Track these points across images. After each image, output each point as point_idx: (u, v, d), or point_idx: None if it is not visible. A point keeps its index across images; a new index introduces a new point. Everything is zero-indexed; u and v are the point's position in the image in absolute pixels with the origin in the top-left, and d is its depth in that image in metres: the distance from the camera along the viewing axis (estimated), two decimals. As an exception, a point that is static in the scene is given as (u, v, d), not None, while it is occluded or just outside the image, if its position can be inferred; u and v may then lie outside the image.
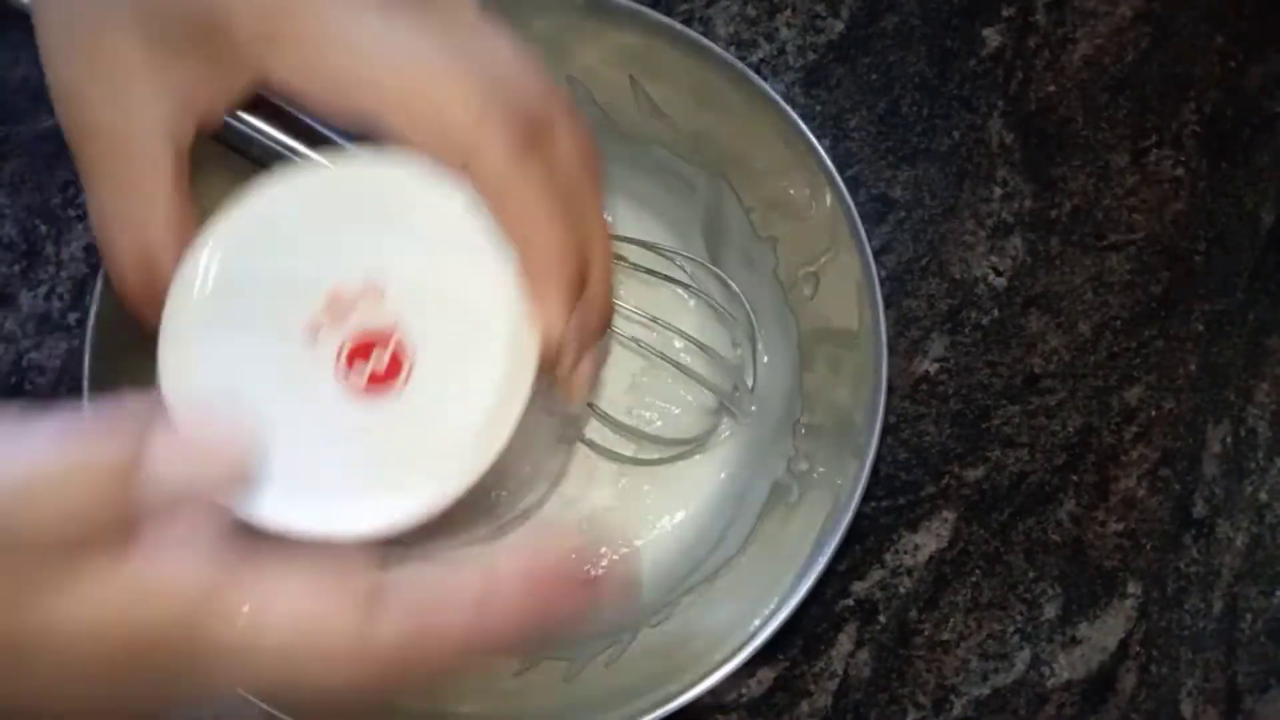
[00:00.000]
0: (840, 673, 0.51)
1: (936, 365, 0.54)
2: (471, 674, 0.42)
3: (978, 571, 0.53)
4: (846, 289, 0.45)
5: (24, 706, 0.24)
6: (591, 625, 0.44)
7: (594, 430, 0.49)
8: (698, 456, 0.51)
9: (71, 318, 0.52)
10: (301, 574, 0.26)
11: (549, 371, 0.32)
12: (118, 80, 0.31)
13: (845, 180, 0.45)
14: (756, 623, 0.42)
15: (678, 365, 0.50)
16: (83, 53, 0.32)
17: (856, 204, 0.44)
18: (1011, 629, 0.52)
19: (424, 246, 0.32)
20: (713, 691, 0.51)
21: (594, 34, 0.45)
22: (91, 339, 0.43)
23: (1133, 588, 0.53)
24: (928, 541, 0.53)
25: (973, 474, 0.53)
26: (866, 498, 0.52)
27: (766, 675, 0.51)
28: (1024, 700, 0.52)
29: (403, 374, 0.31)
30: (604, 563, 0.43)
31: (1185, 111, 0.57)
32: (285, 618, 0.25)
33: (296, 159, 0.41)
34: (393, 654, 0.25)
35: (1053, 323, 0.55)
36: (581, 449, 0.50)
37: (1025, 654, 0.52)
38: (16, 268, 0.53)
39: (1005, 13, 0.57)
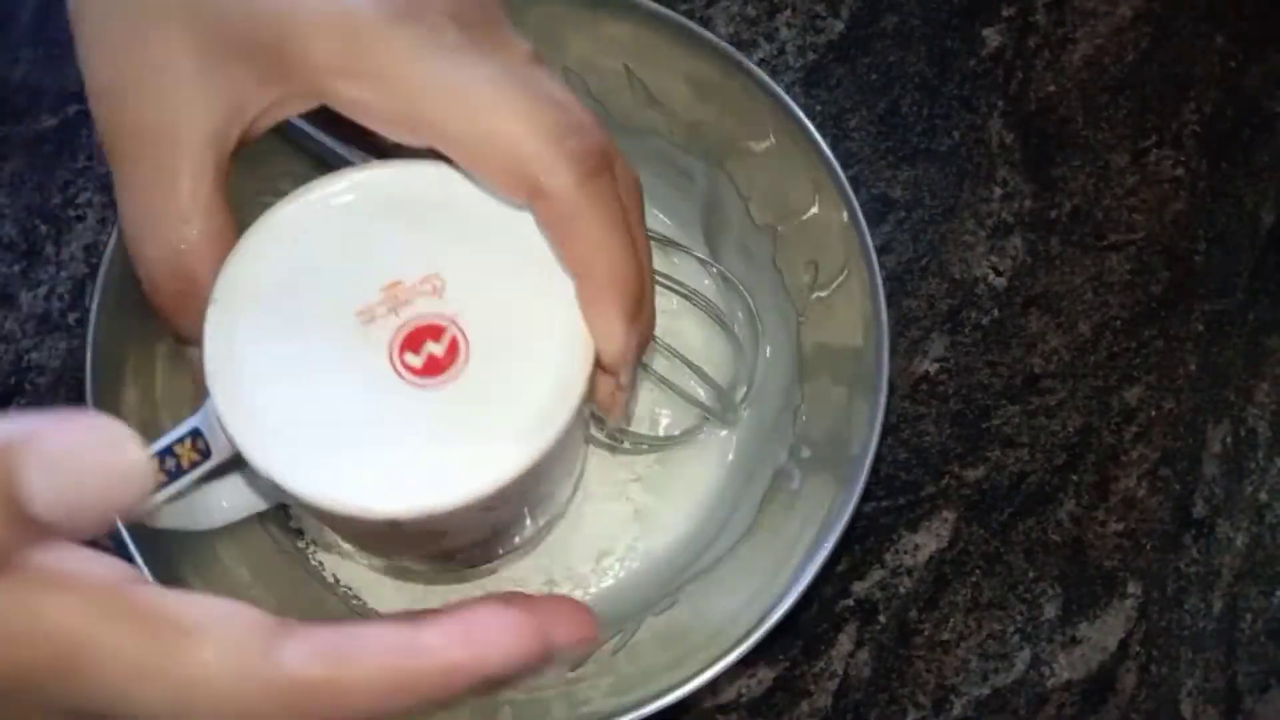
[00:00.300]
0: (840, 673, 0.51)
1: (936, 365, 0.54)
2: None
3: (978, 571, 0.53)
4: (850, 295, 0.45)
5: None
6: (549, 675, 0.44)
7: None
8: (698, 446, 0.51)
9: (71, 318, 0.52)
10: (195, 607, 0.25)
11: (605, 388, 0.33)
12: (165, 82, 0.31)
13: (845, 180, 0.45)
14: (762, 610, 0.42)
15: (666, 383, 0.50)
16: (127, 52, 0.31)
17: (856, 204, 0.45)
18: (1011, 629, 0.52)
19: (486, 247, 0.32)
20: (713, 690, 0.51)
21: (589, 24, 0.45)
22: (92, 339, 0.43)
23: (1133, 588, 0.53)
24: (928, 541, 0.53)
25: (973, 474, 0.53)
26: (866, 497, 0.53)
27: (766, 675, 0.51)
28: (1024, 700, 0.52)
29: (458, 364, 0.31)
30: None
31: (1185, 111, 0.57)
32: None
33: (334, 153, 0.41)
34: (293, 697, 0.24)
35: (1053, 323, 0.55)
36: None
37: (1025, 654, 0.52)
38: (16, 268, 0.53)
39: (1005, 13, 0.57)
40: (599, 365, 0.32)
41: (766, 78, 0.45)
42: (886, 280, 0.44)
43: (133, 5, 0.31)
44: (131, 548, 0.41)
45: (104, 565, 0.24)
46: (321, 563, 0.48)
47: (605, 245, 0.30)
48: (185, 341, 0.34)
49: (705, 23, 0.56)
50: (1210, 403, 0.55)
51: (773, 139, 0.46)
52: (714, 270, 0.51)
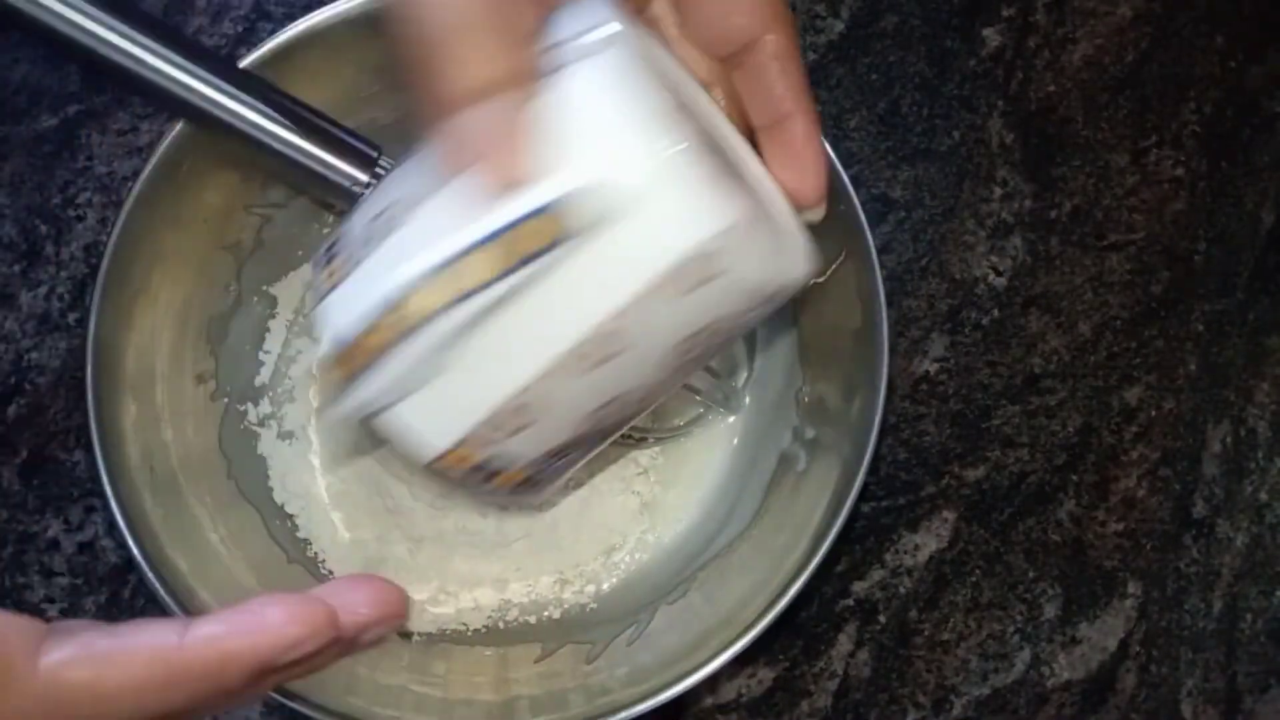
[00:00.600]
0: (840, 673, 0.51)
1: (936, 365, 0.54)
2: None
3: (978, 571, 0.53)
4: (847, 277, 0.45)
5: None
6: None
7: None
8: (702, 435, 0.51)
9: (71, 317, 0.52)
10: None
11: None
12: None
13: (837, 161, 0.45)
14: (775, 592, 0.42)
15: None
16: None
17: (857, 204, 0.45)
18: (1011, 629, 0.52)
19: None
20: (712, 690, 0.51)
21: None
22: (93, 339, 0.43)
23: (1133, 588, 0.53)
24: (928, 541, 0.53)
25: (973, 474, 0.53)
26: (866, 498, 0.53)
27: (766, 675, 0.51)
28: (1024, 700, 0.52)
29: None
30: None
31: (1185, 111, 0.57)
32: None
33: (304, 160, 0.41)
34: (53, 700, 0.25)
35: (1053, 323, 0.55)
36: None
37: (1025, 654, 0.52)
38: (16, 268, 0.53)
39: (1005, 13, 0.57)
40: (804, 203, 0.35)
41: None
42: (887, 280, 0.44)
43: None
44: (132, 547, 0.41)
45: None
46: (332, 571, 0.48)
47: (806, 87, 0.34)
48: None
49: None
50: (1210, 403, 0.55)
51: None
52: None
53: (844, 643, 0.52)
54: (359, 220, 0.33)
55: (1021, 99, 0.57)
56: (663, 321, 0.31)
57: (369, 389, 0.31)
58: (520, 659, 0.46)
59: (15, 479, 0.51)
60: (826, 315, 0.47)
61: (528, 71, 0.29)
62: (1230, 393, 0.55)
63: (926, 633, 0.52)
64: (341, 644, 0.29)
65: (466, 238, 0.28)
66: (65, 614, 0.50)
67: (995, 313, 0.55)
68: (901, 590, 0.52)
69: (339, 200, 0.44)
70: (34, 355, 0.52)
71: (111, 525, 0.50)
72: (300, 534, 0.48)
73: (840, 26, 0.57)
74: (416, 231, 0.30)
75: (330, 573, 0.48)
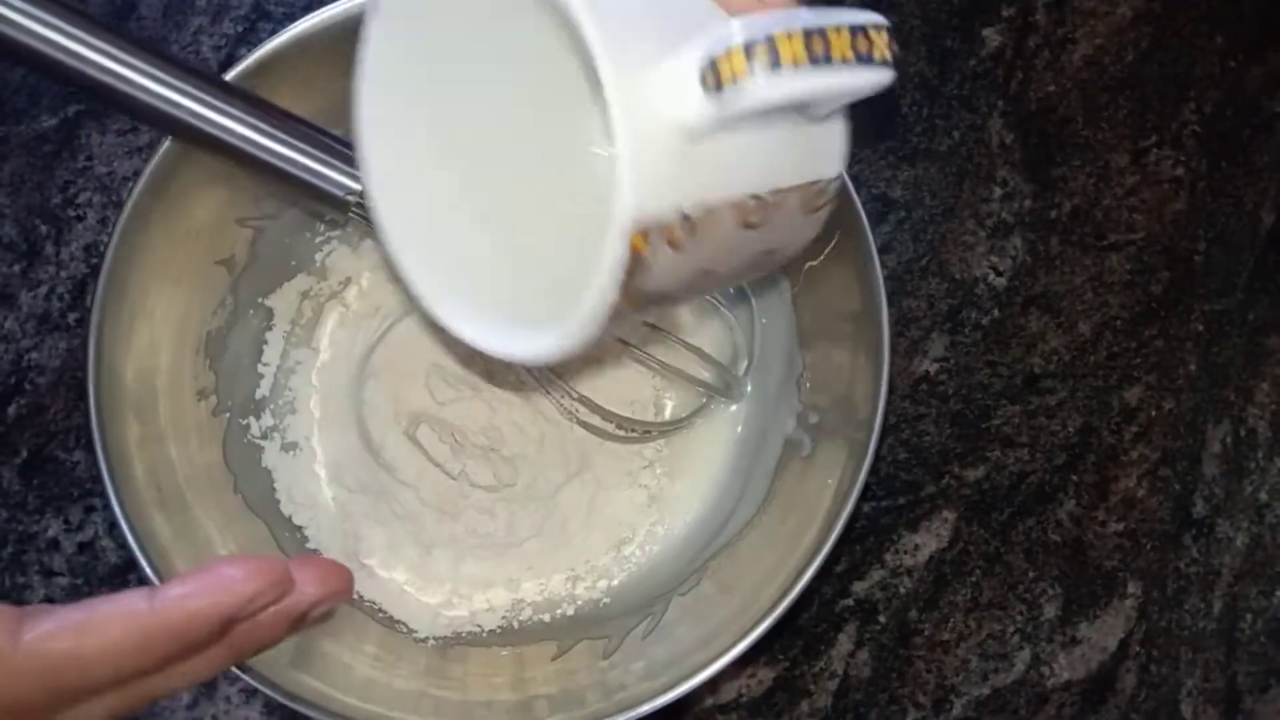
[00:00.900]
0: (840, 673, 0.51)
1: (936, 365, 0.54)
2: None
3: (978, 571, 0.53)
4: (842, 259, 0.45)
5: None
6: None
7: (592, 418, 0.50)
8: (706, 425, 0.51)
9: (71, 317, 0.52)
10: None
11: None
12: None
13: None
14: (788, 578, 0.42)
15: (668, 369, 0.50)
16: None
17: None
18: (1011, 629, 0.52)
19: None
20: (713, 690, 0.51)
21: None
22: (93, 339, 0.43)
23: (1133, 588, 0.53)
24: (928, 541, 0.53)
25: (973, 474, 0.53)
26: (866, 497, 0.53)
27: (766, 675, 0.51)
28: (1024, 700, 0.52)
29: None
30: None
31: (1185, 111, 0.57)
32: None
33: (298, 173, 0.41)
34: (39, 671, 0.28)
35: (1053, 323, 0.55)
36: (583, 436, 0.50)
37: (1025, 654, 0.52)
38: (16, 268, 0.53)
39: (1005, 13, 0.57)
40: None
41: None
42: (887, 280, 0.44)
43: None
44: (144, 566, 0.41)
45: None
46: None
47: None
48: None
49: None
50: (1210, 402, 0.55)
51: None
52: None
53: (844, 643, 0.52)
54: None
55: (1021, 99, 0.57)
56: (791, 220, 0.34)
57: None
58: (537, 657, 0.46)
59: (15, 479, 0.51)
60: (824, 299, 0.47)
61: None
62: (1230, 392, 0.55)
63: (926, 633, 0.52)
64: (293, 617, 0.32)
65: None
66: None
67: (995, 313, 0.55)
68: (901, 590, 0.52)
69: (331, 210, 0.44)
70: (34, 355, 0.52)
71: (112, 525, 0.50)
72: (310, 545, 0.48)
73: (840, 26, 0.57)
74: None
75: None
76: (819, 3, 0.32)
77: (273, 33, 0.44)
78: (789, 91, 0.29)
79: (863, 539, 0.52)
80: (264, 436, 0.49)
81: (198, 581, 0.30)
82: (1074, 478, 0.54)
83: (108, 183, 0.53)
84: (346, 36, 0.44)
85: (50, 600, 0.50)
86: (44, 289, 0.52)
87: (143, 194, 0.43)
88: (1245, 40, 0.58)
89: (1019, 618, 0.52)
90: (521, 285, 0.36)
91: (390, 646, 0.46)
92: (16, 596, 0.50)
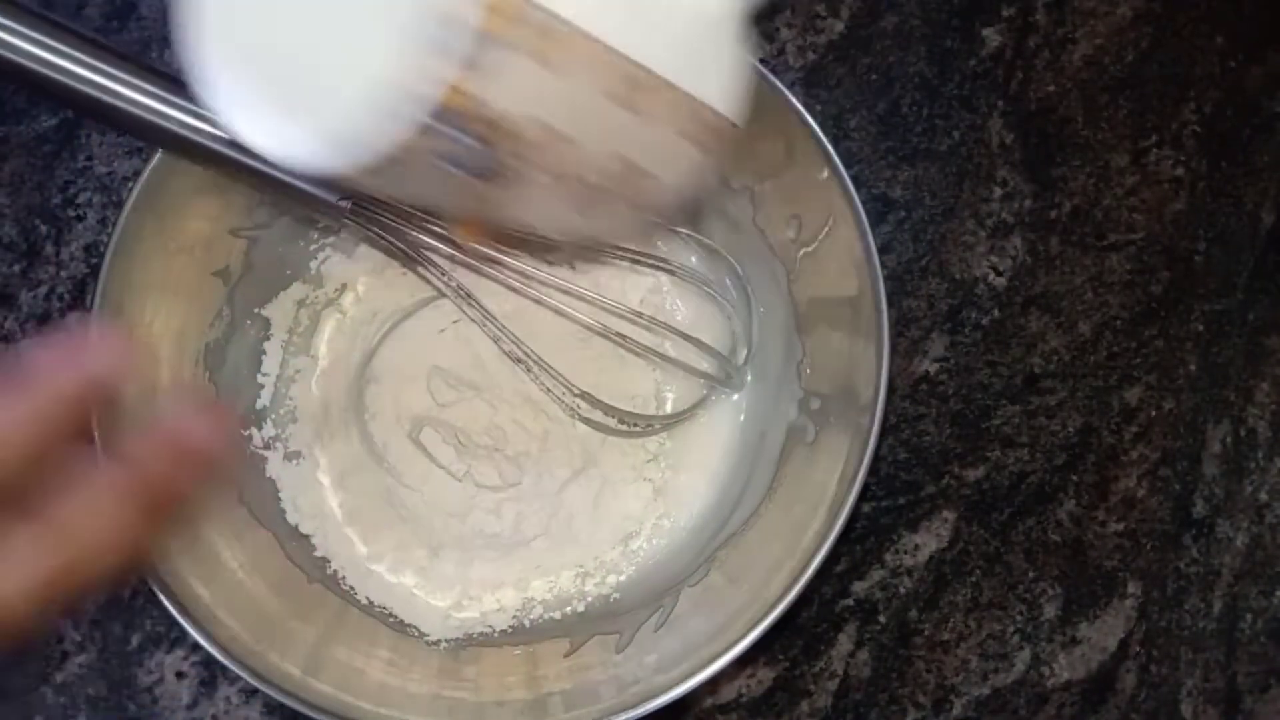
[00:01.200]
0: (840, 672, 0.51)
1: (937, 365, 0.54)
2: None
3: (978, 571, 0.53)
4: (837, 244, 0.45)
5: None
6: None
7: (595, 413, 0.50)
8: (708, 416, 0.51)
9: (72, 317, 0.52)
10: None
11: None
12: None
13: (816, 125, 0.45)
14: (796, 564, 0.42)
15: (669, 361, 0.50)
16: None
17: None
18: (1011, 629, 0.52)
19: None
20: (713, 690, 0.51)
21: None
22: (96, 310, 0.43)
23: (1133, 588, 0.53)
24: (928, 541, 0.53)
25: (973, 474, 0.53)
26: (866, 497, 0.53)
27: (766, 675, 0.51)
28: (1024, 700, 0.52)
29: None
30: None
31: (1185, 111, 0.57)
32: None
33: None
34: None
35: (1053, 323, 0.55)
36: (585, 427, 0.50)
37: (1025, 654, 0.52)
38: (16, 268, 0.53)
39: (1005, 13, 0.57)
40: None
41: None
42: (886, 280, 0.44)
43: None
44: (151, 582, 0.41)
45: None
46: (353, 587, 0.48)
47: None
48: None
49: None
50: (1210, 402, 0.55)
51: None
52: (695, 241, 0.51)
53: (844, 643, 0.52)
54: None
55: (1021, 99, 0.57)
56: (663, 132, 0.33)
57: None
58: (549, 655, 0.46)
59: (15, 479, 0.51)
60: (820, 285, 0.47)
61: None
62: (1230, 392, 0.55)
63: (926, 633, 0.52)
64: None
65: None
66: (65, 613, 0.50)
67: (995, 313, 0.55)
68: (901, 590, 0.52)
69: (323, 216, 0.44)
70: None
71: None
72: (318, 553, 0.49)
73: (840, 26, 0.57)
74: None
75: (351, 589, 0.48)
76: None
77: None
78: None
79: (863, 539, 0.52)
80: (266, 446, 0.49)
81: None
82: (1074, 478, 0.54)
83: (108, 183, 0.53)
84: None
85: (50, 600, 0.50)
86: (44, 289, 0.52)
87: (134, 208, 0.43)
88: (1245, 40, 0.58)
89: (1019, 618, 0.52)
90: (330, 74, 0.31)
91: (402, 650, 0.46)
92: (16, 596, 0.50)
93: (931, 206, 0.55)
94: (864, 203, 0.44)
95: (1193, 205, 0.56)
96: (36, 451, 0.27)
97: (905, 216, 0.55)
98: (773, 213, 0.47)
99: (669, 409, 0.51)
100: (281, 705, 0.41)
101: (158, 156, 0.43)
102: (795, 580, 0.42)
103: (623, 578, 0.49)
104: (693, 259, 0.52)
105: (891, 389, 0.53)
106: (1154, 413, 0.54)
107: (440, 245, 0.47)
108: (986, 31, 0.57)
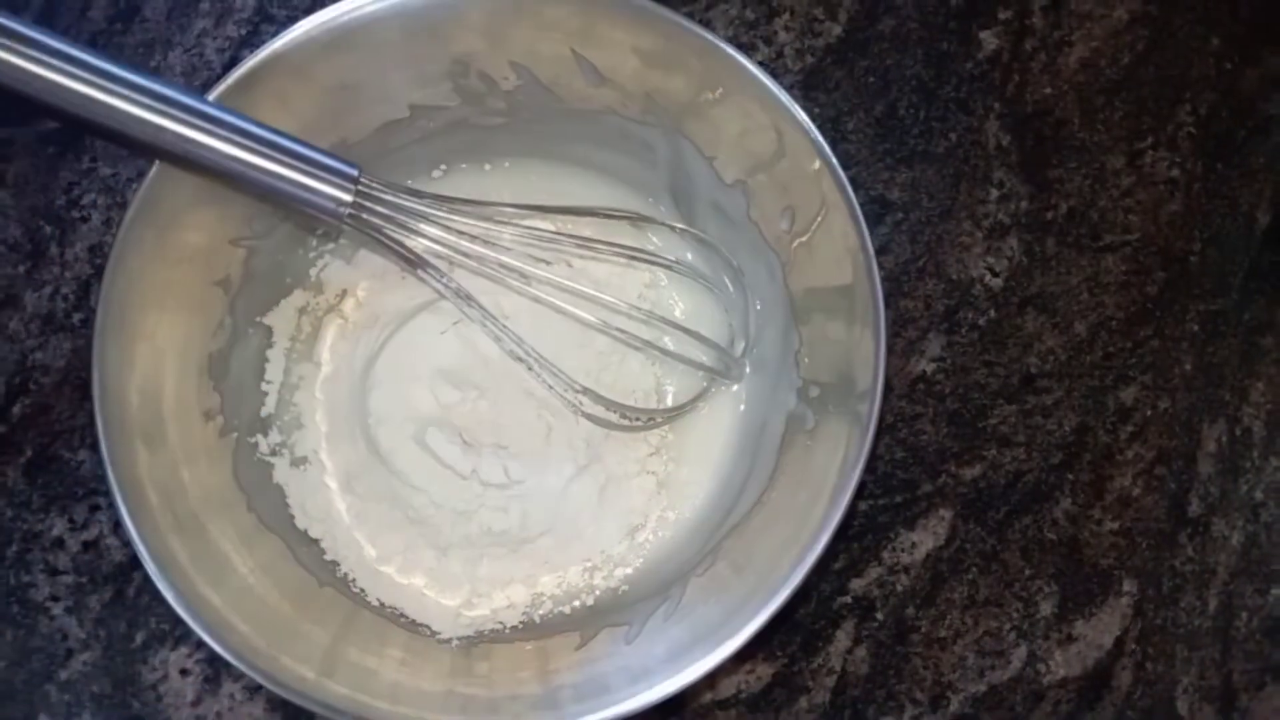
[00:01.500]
0: (838, 669, 0.52)
1: (933, 365, 0.54)
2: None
3: (974, 569, 0.53)
4: (831, 234, 0.45)
5: None
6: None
7: (597, 409, 0.50)
8: (708, 408, 0.51)
9: (76, 318, 0.52)
10: None
11: None
12: None
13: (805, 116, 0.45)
14: (801, 549, 0.43)
15: (668, 354, 0.50)
16: None
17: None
18: (1008, 626, 0.53)
19: None
20: (711, 686, 0.51)
21: (529, 11, 0.46)
22: (98, 339, 0.43)
23: (1128, 586, 0.53)
24: (925, 539, 0.53)
25: (969, 473, 0.54)
26: (864, 495, 0.53)
27: (765, 671, 0.51)
28: (1020, 697, 0.52)
29: None
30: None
31: (1181, 113, 0.58)
32: None
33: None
34: None
35: (1049, 323, 0.55)
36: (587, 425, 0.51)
37: (1022, 651, 0.52)
38: (21, 268, 0.53)
39: (1002, 15, 0.58)
40: None
41: (706, 32, 0.45)
42: (884, 280, 0.45)
43: None
44: (164, 591, 0.42)
45: None
46: (364, 590, 0.49)
47: None
48: None
49: (704, 25, 0.56)
50: (1205, 402, 0.55)
51: (722, 89, 0.46)
52: (690, 236, 0.51)
53: (842, 639, 0.52)
54: None
55: (1018, 101, 0.57)
56: None
57: None
58: (560, 649, 0.47)
59: (20, 478, 0.51)
60: (815, 274, 0.47)
61: None
62: (1225, 392, 0.55)
63: (924, 630, 0.52)
64: None
65: None
66: (70, 612, 0.50)
67: (992, 313, 0.55)
68: (899, 588, 0.52)
69: (322, 223, 0.44)
70: (39, 355, 0.52)
71: (116, 524, 0.51)
72: (327, 557, 0.49)
73: (838, 30, 0.57)
74: None
75: (362, 591, 0.48)
76: None
77: (275, 34, 0.45)
78: None
79: (860, 537, 0.53)
80: (273, 453, 0.50)
81: None
82: (1070, 477, 0.54)
83: (112, 184, 0.54)
84: (318, 49, 0.45)
85: (55, 598, 0.50)
86: (48, 289, 0.53)
87: (134, 221, 0.43)
88: (1240, 43, 0.58)
89: (1015, 615, 0.53)
90: None
91: (415, 649, 0.47)
92: (21, 594, 0.50)
93: (928, 208, 0.56)
94: (861, 204, 0.45)
95: (1188, 206, 0.57)
96: None
97: (902, 218, 0.55)
98: (766, 205, 0.48)
99: (670, 402, 0.51)
100: (285, 702, 0.41)
101: (155, 169, 0.43)
102: (800, 565, 0.42)
103: (630, 570, 0.50)
104: (689, 254, 0.52)
105: (888, 388, 0.54)
106: (1149, 412, 0.55)
107: (439, 247, 0.47)
108: (983, 34, 0.58)
